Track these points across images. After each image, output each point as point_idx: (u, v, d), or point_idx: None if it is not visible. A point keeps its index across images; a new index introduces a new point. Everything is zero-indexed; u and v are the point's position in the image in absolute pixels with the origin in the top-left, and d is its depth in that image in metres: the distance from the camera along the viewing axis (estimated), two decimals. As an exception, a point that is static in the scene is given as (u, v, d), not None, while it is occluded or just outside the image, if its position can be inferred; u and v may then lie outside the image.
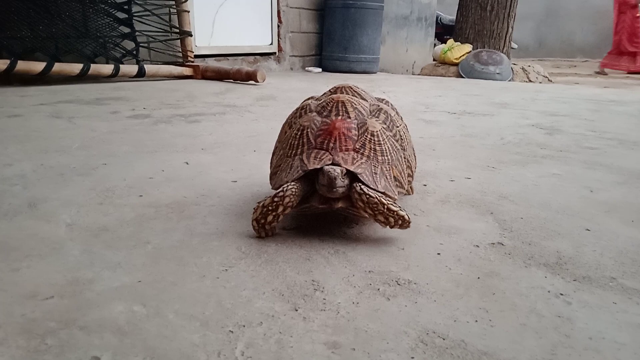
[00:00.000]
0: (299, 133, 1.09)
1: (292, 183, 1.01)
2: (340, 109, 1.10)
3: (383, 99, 1.23)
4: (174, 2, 4.12)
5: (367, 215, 0.99)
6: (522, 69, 6.75)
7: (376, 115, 1.13)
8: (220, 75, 4.11)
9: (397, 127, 1.16)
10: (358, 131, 1.07)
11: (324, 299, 0.80)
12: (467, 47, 6.65)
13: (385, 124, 1.12)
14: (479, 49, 6.70)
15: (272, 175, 1.15)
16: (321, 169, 0.98)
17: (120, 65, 3.68)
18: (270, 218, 1.00)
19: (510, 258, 0.96)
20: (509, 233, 1.08)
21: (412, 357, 0.66)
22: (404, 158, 1.15)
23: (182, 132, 2.09)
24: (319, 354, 0.66)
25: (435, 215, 1.19)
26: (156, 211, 1.18)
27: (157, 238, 1.03)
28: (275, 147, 1.21)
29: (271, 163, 1.20)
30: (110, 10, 3.75)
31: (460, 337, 0.70)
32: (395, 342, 0.69)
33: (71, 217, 1.13)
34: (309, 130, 1.08)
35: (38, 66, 3.28)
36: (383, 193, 1.01)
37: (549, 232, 1.09)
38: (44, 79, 3.41)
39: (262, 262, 0.93)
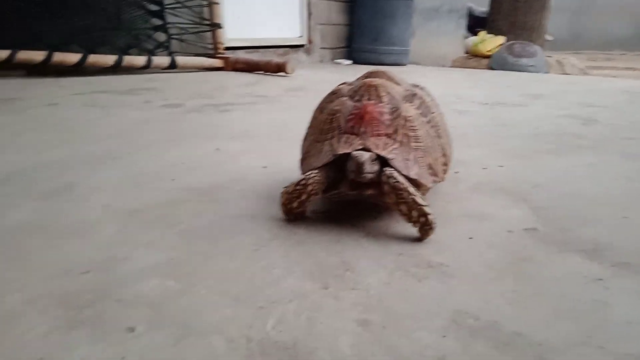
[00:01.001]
0: (329, 118, 1.07)
1: (315, 171, 0.99)
2: (372, 93, 1.07)
3: (418, 85, 1.20)
4: (205, -6, 4.16)
5: (390, 202, 0.95)
6: (557, 61, 6.59)
7: (410, 100, 1.09)
8: (250, 67, 4.14)
9: (432, 113, 1.12)
10: (391, 116, 1.03)
11: (355, 279, 0.80)
12: (500, 39, 6.52)
13: (420, 109, 1.08)
14: (512, 41, 6.56)
15: (302, 161, 1.14)
16: (350, 153, 0.96)
17: (153, 57, 3.73)
18: (295, 204, 1.00)
19: (545, 244, 0.94)
20: (543, 220, 1.06)
21: (444, 336, 0.65)
22: (439, 146, 1.11)
23: (213, 121, 2.11)
24: (350, 331, 0.66)
25: (466, 201, 1.17)
26: (188, 194, 1.20)
27: (189, 219, 1.04)
28: (306, 133, 1.20)
29: (302, 148, 1.19)
30: (143, 3, 3.81)
31: (493, 319, 0.69)
32: (426, 321, 0.69)
33: (106, 199, 1.15)
34: (339, 114, 1.06)
35: (73, 57, 3.36)
36: (415, 180, 0.98)
37: (585, 219, 1.07)
38: (79, 70, 3.49)
39: (293, 243, 0.93)
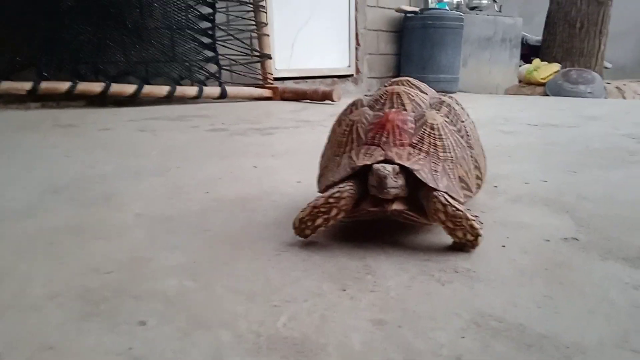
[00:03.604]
0: (347, 129, 1.00)
1: (349, 183, 0.91)
2: (395, 101, 1.00)
3: (447, 94, 1.15)
4: (255, 27, 4.29)
5: (442, 226, 0.88)
6: (617, 88, 6.32)
7: (437, 108, 1.02)
8: (298, 96, 4.20)
9: (462, 121, 1.04)
10: (415, 124, 0.96)
11: (375, 282, 0.77)
12: (555, 67, 6.34)
13: (448, 117, 1.00)
14: (568, 68, 6.37)
15: (319, 178, 1.07)
16: (371, 167, 0.88)
17: (204, 87, 3.86)
18: (319, 221, 0.91)
19: (585, 252, 0.88)
20: (585, 229, 0.99)
21: (463, 337, 0.61)
22: (471, 157, 1.02)
23: (255, 142, 2.14)
24: (362, 329, 0.63)
25: (503, 212, 1.12)
26: (220, 205, 1.20)
27: (217, 226, 1.05)
28: (324, 149, 1.13)
29: (319, 165, 1.12)
30: (196, 36, 3.97)
31: (519, 321, 0.64)
32: (445, 322, 0.65)
33: (140, 208, 1.18)
34: (359, 125, 0.99)
35: (130, 88, 3.52)
36: (445, 193, 0.89)
37: (632, 228, 0.99)
38: (135, 100, 3.65)
39: (315, 248, 0.91)
